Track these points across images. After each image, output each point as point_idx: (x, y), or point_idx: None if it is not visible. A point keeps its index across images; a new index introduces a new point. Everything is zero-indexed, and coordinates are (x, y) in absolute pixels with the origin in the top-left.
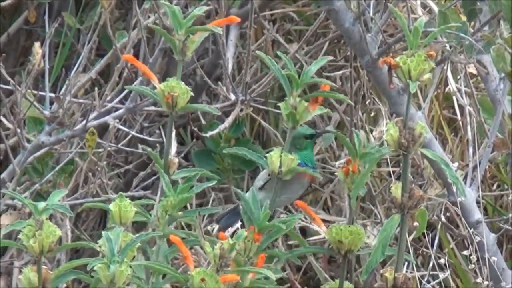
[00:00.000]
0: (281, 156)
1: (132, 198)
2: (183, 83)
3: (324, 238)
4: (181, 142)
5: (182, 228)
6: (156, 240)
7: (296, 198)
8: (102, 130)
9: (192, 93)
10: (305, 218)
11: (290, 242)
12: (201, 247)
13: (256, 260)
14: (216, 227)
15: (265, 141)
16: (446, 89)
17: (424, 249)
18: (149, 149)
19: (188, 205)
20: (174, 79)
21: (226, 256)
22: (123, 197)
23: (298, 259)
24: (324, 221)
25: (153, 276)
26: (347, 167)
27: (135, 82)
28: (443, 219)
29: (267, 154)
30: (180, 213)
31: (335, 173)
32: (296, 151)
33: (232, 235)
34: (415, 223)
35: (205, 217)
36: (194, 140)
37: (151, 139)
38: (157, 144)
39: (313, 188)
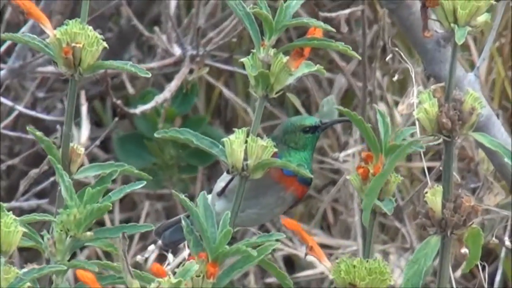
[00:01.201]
0: (246, 141)
1: (19, 211)
2: (90, 27)
3: (323, 273)
4: (97, 123)
5: (98, 258)
6: (53, 278)
7: (271, 217)
8: None
9: (106, 45)
10: (291, 240)
11: (268, 280)
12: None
13: None
14: (153, 251)
15: (230, 120)
16: None
17: None
18: (38, 133)
19: (107, 222)
20: (77, 22)
21: None
22: (4, 209)
23: None
24: (322, 246)
25: None
26: (365, 168)
27: (22, 29)
28: (508, 242)
29: (224, 139)
30: (89, 233)
31: (340, 171)
32: (289, 152)
33: (178, 266)
34: (464, 250)
35: (134, 240)
36: (117, 119)
37: (48, 117)
38: (59, 126)
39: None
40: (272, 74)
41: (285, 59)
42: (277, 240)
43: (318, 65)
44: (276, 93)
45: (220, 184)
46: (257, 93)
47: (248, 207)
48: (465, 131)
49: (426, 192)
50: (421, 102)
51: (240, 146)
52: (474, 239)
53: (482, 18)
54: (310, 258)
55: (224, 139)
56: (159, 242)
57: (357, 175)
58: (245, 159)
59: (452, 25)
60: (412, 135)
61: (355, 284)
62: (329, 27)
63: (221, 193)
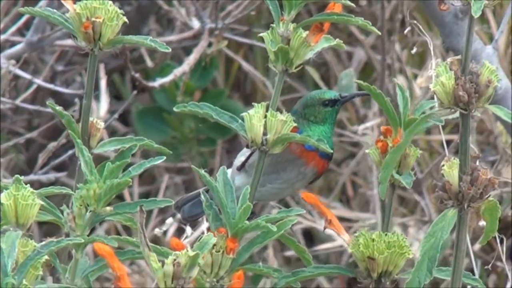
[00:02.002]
0: (266, 116)
1: (38, 184)
2: (110, 2)
3: (342, 246)
4: (116, 96)
5: (117, 233)
6: (72, 252)
7: (291, 192)
8: None
9: (125, 19)
10: (309, 213)
11: (287, 253)
12: (146, 262)
13: (231, 281)
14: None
15: (249, 94)
16: None
17: (497, 263)
18: (58, 107)
19: (126, 196)
20: None
21: (183, 275)
22: (22, 182)
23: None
24: (342, 219)
25: None
26: (384, 142)
27: (40, 3)
28: None
29: (243, 114)
30: (109, 208)
31: (359, 144)
32: (309, 126)
33: (196, 240)
34: (482, 223)
35: (153, 214)
36: (136, 92)
37: (67, 91)
38: (78, 99)
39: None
40: (292, 49)
41: (304, 33)
42: (296, 215)
43: (337, 39)
44: (296, 67)
45: (240, 158)
46: (276, 68)
47: (268, 181)
48: (482, 104)
49: (443, 165)
50: (437, 75)
51: (260, 121)
52: (491, 212)
53: None
54: (329, 231)
55: (244, 114)
56: (178, 215)
57: (376, 149)
58: (265, 133)
59: None
60: (431, 108)
61: (373, 257)
62: (348, 2)
63: (241, 168)
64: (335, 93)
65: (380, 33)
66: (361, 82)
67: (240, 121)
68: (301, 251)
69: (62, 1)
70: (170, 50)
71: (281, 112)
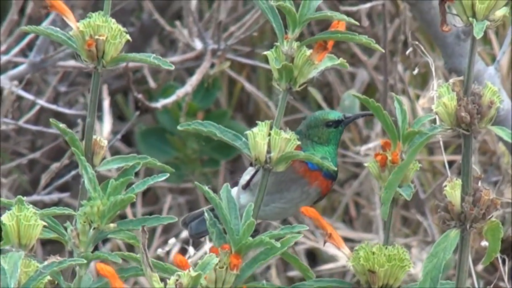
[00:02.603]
0: (269, 134)
1: (41, 205)
2: (113, 20)
3: (345, 266)
4: (120, 117)
5: (119, 250)
6: (76, 268)
7: (295, 212)
8: None
9: (129, 37)
10: (313, 234)
11: (290, 274)
12: (148, 282)
13: None
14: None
15: (252, 114)
16: None
17: (499, 283)
18: (62, 125)
19: (129, 216)
20: (100, 14)
21: None
22: (24, 203)
23: None
24: (345, 239)
25: None
26: (383, 155)
27: (44, 22)
28: None
29: (247, 132)
30: (112, 225)
31: (362, 165)
32: (313, 146)
33: (199, 260)
34: (484, 243)
35: (157, 233)
36: (139, 113)
37: (71, 111)
38: (81, 120)
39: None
40: (296, 67)
41: (308, 52)
42: (299, 232)
43: (340, 58)
44: (299, 86)
45: (245, 177)
46: (280, 86)
47: (272, 201)
48: (484, 125)
49: (445, 186)
50: (440, 96)
51: (263, 139)
52: (494, 233)
53: (501, 12)
54: (331, 250)
55: (248, 132)
56: (181, 235)
57: (375, 162)
58: (268, 152)
59: (470, 19)
60: (433, 122)
61: (374, 270)
62: (352, 20)
63: (245, 186)
64: (339, 113)
65: (383, 51)
66: (360, 95)
67: (243, 139)
68: (304, 269)
69: (65, 19)
70: (173, 67)
71: (284, 131)
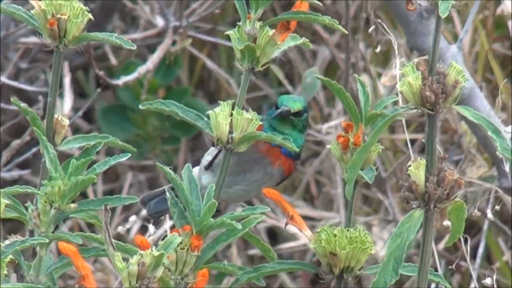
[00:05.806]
0: (232, 114)
1: (1, 182)
2: None
3: (306, 245)
4: (80, 94)
5: (81, 231)
6: (36, 250)
7: (258, 193)
8: None
9: (91, 16)
10: (274, 212)
11: (251, 252)
12: (111, 261)
13: (195, 279)
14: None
15: (213, 92)
16: (498, 10)
17: (462, 263)
18: (23, 104)
19: (90, 194)
20: None
21: (148, 275)
22: None
23: (264, 279)
24: (305, 218)
25: None
26: (345, 137)
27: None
28: (491, 215)
29: (209, 112)
30: (73, 205)
31: (323, 143)
32: (289, 130)
33: (160, 238)
34: (447, 223)
35: (117, 211)
36: (100, 90)
37: (31, 88)
38: (42, 97)
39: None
40: (258, 47)
41: (271, 32)
42: (261, 214)
43: (303, 38)
44: (262, 66)
45: (207, 157)
46: (243, 66)
47: (235, 183)
48: (449, 105)
49: (409, 166)
50: (404, 75)
51: (226, 119)
52: (458, 213)
53: None
54: (292, 229)
55: (209, 112)
56: (142, 213)
57: (338, 144)
58: (230, 132)
59: None
60: (394, 104)
61: (335, 253)
62: (315, 1)
63: (208, 167)
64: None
65: (346, 32)
66: (322, 77)
67: (205, 119)
68: (265, 250)
69: None
70: (135, 47)
71: (246, 111)
